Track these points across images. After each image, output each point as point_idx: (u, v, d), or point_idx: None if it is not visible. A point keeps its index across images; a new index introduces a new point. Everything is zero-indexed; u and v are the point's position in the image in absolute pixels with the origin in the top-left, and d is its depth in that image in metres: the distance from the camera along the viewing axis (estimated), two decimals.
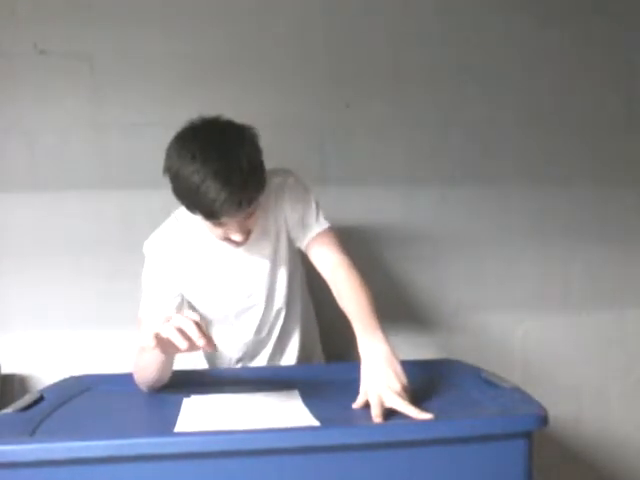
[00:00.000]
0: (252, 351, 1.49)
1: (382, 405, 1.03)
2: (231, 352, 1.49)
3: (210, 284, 1.40)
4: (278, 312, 1.45)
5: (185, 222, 1.39)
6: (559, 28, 1.90)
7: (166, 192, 1.82)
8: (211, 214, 1.18)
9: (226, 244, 1.33)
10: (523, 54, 1.90)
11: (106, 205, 1.81)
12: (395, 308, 1.87)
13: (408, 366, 1.13)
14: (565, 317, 1.96)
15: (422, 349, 1.85)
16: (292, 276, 1.44)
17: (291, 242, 1.40)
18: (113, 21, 1.77)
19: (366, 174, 1.86)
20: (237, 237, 1.24)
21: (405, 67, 1.86)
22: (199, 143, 1.18)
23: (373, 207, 1.87)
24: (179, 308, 1.38)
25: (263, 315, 1.43)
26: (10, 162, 1.78)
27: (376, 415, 1.02)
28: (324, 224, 1.35)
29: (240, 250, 1.36)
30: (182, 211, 1.39)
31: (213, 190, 1.13)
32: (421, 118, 1.88)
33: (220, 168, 1.13)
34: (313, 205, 1.36)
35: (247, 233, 1.27)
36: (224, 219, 1.20)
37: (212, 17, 1.79)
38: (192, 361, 1.56)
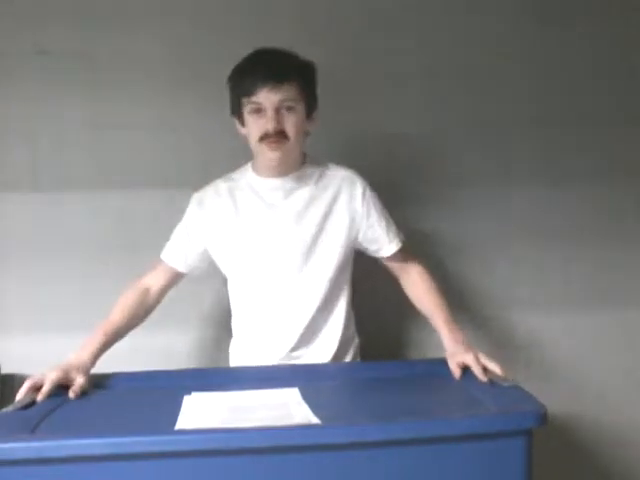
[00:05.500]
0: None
1: (479, 362, 1.25)
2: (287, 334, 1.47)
3: (249, 245, 1.45)
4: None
5: (235, 182, 1.49)
6: (559, 28, 1.91)
7: (166, 192, 1.83)
8: (245, 83, 1.36)
9: (272, 200, 1.43)
10: (523, 54, 1.90)
11: (106, 205, 1.81)
12: (397, 308, 1.87)
13: (409, 365, 1.14)
14: (565, 317, 1.96)
15: (423, 349, 1.85)
16: (337, 266, 1.46)
17: (349, 234, 1.46)
18: (113, 21, 1.77)
19: (366, 174, 1.86)
20: (270, 124, 1.34)
21: (406, 67, 1.86)
22: (254, 50, 1.42)
23: None
24: (198, 261, 1.50)
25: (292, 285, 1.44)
26: (10, 162, 1.78)
27: (480, 374, 1.22)
28: (400, 235, 1.52)
29: (285, 206, 1.44)
30: (235, 174, 1.51)
31: (251, 62, 1.39)
32: (421, 118, 1.88)
33: (263, 54, 1.39)
34: (390, 219, 1.51)
35: (284, 135, 1.36)
36: (259, 93, 1.34)
37: (212, 17, 1.80)
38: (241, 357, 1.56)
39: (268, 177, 1.45)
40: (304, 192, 1.45)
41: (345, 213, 1.46)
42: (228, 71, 1.80)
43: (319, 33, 1.83)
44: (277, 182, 1.44)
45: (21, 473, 0.93)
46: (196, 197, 1.50)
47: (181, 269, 1.50)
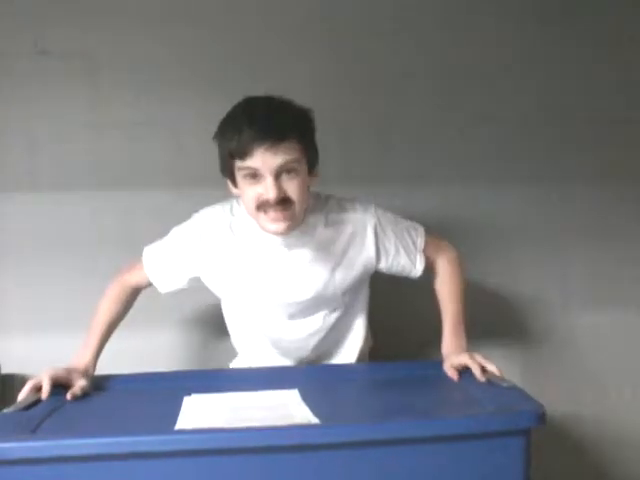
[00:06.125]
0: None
1: (479, 362, 1.23)
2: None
3: (253, 287, 1.36)
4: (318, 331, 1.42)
5: (236, 219, 1.36)
6: (560, 28, 1.91)
7: (166, 192, 1.83)
8: (238, 144, 1.18)
9: (274, 252, 1.32)
10: (523, 54, 1.90)
11: (106, 205, 1.81)
12: (396, 311, 1.87)
13: (409, 365, 1.14)
14: (565, 316, 1.96)
15: (423, 349, 1.85)
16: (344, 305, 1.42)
17: (362, 277, 1.40)
18: (113, 21, 1.77)
19: (366, 174, 1.86)
20: (271, 193, 1.17)
21: (405, 67, 1.86)
22: (244, 101, 1.26)
23: None
24: (181, 288, 1.42)
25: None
26: (10, 162, 1.78)
27: (478, 373, 1.20)
28: (421, 240, 1.42)
29: (289, 260, 1.33)
30: (237, 208, 1.37)
31: (242, 117, 1.20)
32: (421, 118, 1.88)
33: (256, 108, 1.22)
34: (407, 237, 1.40)
35: (287, 200, 1.20)
36: (255, 155, 1.16)
37: (212, 17, 1.80)
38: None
39: (269, 233, 1.28)
40: (308, 248, 1.33)
41: (358, 262, 1.37)
42: (228, 71, 1.81)
43: (319, 33, 1.84)
44: (280, 239, 1.30)
45: (22, 473, 0.93)
46: (195, 232, 1.37)
47: (163, 292, 1.43)
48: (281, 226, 1.22)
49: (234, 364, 1.55)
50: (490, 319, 1.93)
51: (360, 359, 1.48)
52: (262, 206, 1.21)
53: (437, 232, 1.77)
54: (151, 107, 1.80)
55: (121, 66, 1.78)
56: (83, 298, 1.78)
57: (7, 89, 1.76)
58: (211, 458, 0.93)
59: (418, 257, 1.41)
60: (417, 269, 1.42)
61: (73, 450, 0.92)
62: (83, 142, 1.79)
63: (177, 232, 1.41)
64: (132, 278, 1.44)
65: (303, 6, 1.82)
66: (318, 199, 1.36)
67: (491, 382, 1.17)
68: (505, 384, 1.14)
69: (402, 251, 1.39)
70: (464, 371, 1.26)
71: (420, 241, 1.42)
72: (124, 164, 1.80)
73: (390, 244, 1.38)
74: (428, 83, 1.87)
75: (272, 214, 1.21)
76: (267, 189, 1.18)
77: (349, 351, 1.47)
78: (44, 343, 1.78)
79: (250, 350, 1.49)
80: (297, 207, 1.23)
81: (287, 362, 1.46)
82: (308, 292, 1.35)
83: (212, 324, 1.80)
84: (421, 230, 1.44)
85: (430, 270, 1.46)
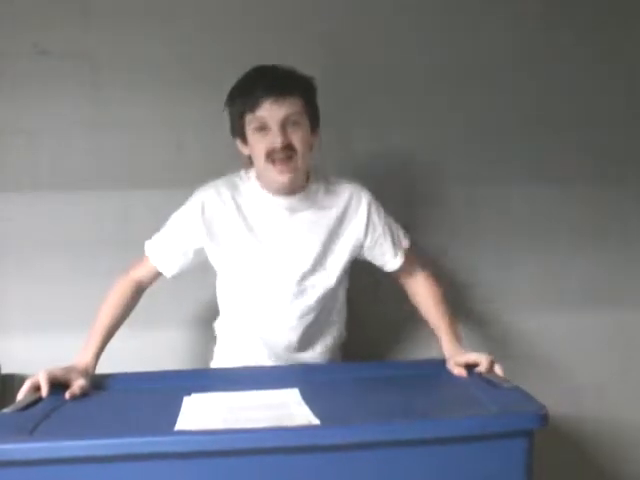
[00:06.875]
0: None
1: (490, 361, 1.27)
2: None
3: (258, 253, 1.41)
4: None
5: (238, 190, 1.43)
6: (560, 28, 1.91)
7: (166, 192, 1.83)
8: (248, 99, 1.31)
9: (277, 216, 1.39)
10: (523, 54, 1.90)
11: (106, 205, 1.81)
12: (395, 310, 1.87)
13: (409, 365, 1.14)
14: (565, 316, 1.96)
15: (423, 349, 1.85)
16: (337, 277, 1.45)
17: (353, 252, 1.45)
18: (113, 21, 1.77)
19: (366, 174, 1.86)
20: (277, 140, 1.30)
21: (405, 66, 1.86)
22: (253, 68, 1.39)
23: None
24: (188, 269, 1.46)
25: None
26: (10, 162, 1.78)
27: (488, 367, 1.25)
28: (406, 242, 1.51)
29: (291, 224, 1.41)
30: (238, 180, 1.44)
31: (251, 77, 1.35)
32: (421, 118, 1.88)
33: (264, 71, 1.36)
34: (394, 230, 1.49)
35: (292, 148, 1.32)
36: (263, 106, 1.30)
37: (212, 17, 1.80)
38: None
39: (274, 195, 1.40)
40: (310, 211, 1.42)
41: (351, 233, 1.44)
42: (228, 71, 1.79)
43: (319, 33, 1.83)
44: (284, 202, 1.40)
45: (20, 474, 0.93)
46: (197, 203, 1.42)
47: (169, 275, 1.45)
48: (286, 177, 1.34)
49: (214, 363, 1.58)
50: (489, 319, 1.93)
51: (332, 352, 1.52)
52: (270, 155, 1.33)
53: (437, 232, 1.78)
54: (151, 107, 1.80)
55: (121, 66, 1.78)
56: (83, 298, 1.79)
57: (7, 89, 1.76)
58: (211, 459, 0.93)
59: (399, 252, 1.48)
60: (396, 261, 1.49)
61: (71, 451, 0.92)
62: (83, 142, 1.79)
63: (178, 212, 1.46)
64: (136, 273, 1.46)
65: (302, 5, 1.82)
66: (318, 171, 1.46)
67: (493, 383, 1.17)
68: (506, 385, 1.14)
69: (388, 236, 1.47)
70: (467, 371, 1.26)
71: (405, 242, 1.50)
72: (124, 164, 1.80)
73: (379, 224, 1.46)
74: (428, 83, 1.87)
75: (279, 166, 1.32)
76: (274, 137, 1.31)
77: (327, 340, 1.51)
78: (44, 343, 1.78)
79: (237, 334, 1.51)
80: (300, 158, 1.34)
81: (274, 347, 1.47)
82: (307, 260, 1.40)
83: (212, 324, 1.80)
84: (408, 236, 1.52)
85: (410, 276, 1.52)
